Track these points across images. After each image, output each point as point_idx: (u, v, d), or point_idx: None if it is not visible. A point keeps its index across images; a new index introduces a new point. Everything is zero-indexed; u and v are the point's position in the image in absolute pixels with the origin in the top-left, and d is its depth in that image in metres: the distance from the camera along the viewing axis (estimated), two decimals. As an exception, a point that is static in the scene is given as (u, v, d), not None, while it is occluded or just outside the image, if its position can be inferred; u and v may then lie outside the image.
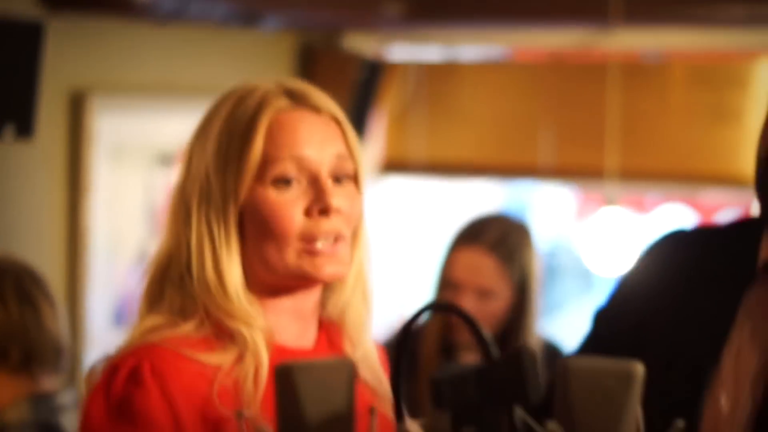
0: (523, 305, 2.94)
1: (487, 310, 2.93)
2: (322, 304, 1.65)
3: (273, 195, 1.57)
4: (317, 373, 1.18)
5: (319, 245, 1.57)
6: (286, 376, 1.18)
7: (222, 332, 1.56)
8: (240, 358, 1.55)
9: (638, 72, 4.72)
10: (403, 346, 1.20)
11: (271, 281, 1.59)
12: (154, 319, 1.60)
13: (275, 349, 1.58)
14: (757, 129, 1.77)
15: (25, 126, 3.61)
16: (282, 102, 1.59)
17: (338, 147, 1.60)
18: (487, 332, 1.17)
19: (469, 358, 2.98)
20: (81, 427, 1.55)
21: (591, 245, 4.41)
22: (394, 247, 5.21)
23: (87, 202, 4.06)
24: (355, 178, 1.62)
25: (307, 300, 1.62)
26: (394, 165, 5.12)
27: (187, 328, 1.57)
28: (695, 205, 5.39)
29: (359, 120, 4.77)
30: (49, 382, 2.64)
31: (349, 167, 1.61)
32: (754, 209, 1.84)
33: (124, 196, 4.13)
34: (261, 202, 1.57)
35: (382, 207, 5.18)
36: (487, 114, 4.96)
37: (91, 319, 4.07)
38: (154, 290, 1.62)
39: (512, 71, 5.03)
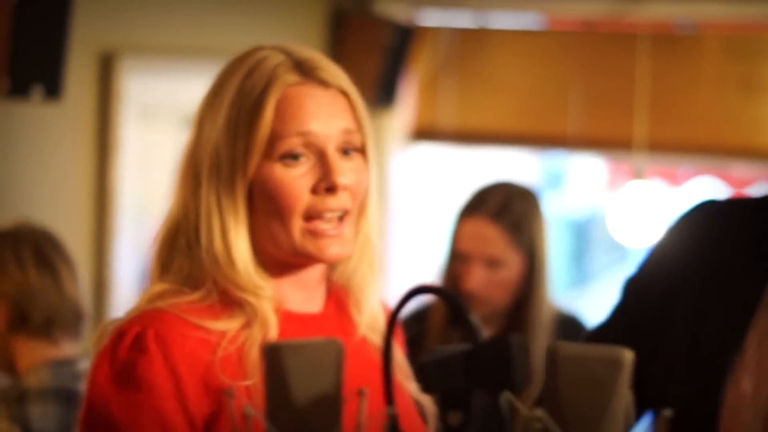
0: (535, 274, 2.92)
1: (497, 280, 2.90)
2: (331, 269, 1.68)
3: (280, 171, 1.59)
4: (305, 352, 1.18)
5: (324, 225, 1.59)
6: (274, 356, 1.18)
7: (229, 300, 1.59)
8: (247, 325, 1.58)
9: (670, 42, 4.67)
10: (391, 331, 1.19)
11: (277, 255, 1.62)
12: (162, 286, 1.63)
13: (283, 315, 1.61)
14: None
15: (53, 87, 3.63)
16: (291, 77, 1.62)
17: (346, 121, 1.63)
18: (474, 315, 1.17)
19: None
20: (87, 390, 1.57)
21: (620, 217, 4.39)
22: (422, 216, 5.20)
23: (115, 163, 4.06)
24: (362, 151, 1.64)
25: (313, 272, 1.66)
26: (423, 132, 5.10)
27: (195, 295, 1.60)
28: (727, 179, 5.35)
29: (390, 86, 4.75)
30: (69, 348, 2.66)
31: (356, 140, 1.63)
32: None
33: (152, 158, 4.13)
34: (268, 178, 1.59)
35: (411, 175, 5.16)
36: (518, 82, 4.93)
37: (118, 281, 4.09)
38: (163, 256, 1.66)
39: (544, 39, 4.99)
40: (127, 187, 4.08)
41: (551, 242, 2.98)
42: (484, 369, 1.13)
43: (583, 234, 6.67)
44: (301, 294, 1.65)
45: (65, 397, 2.58)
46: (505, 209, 2.91)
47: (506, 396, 1.16)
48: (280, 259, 1.62)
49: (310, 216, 1.59)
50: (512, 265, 2.90)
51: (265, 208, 1.60)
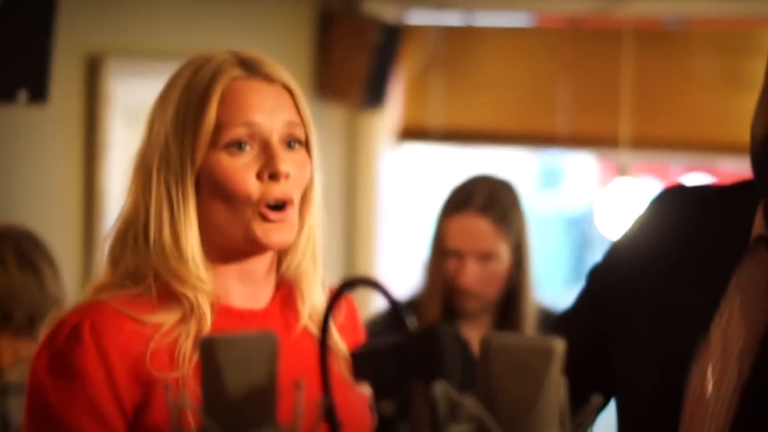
0: (522, 265, 2.95)
1: (490, 273, 2.93)
2: (278, 265, 1.74)
3: (226, 159, 1.66)
4: (239, 345, 1.18)
5: (269, 212, 1.65)
6: (208, 349, 1.18)
7: (168, 294, 1.65)
8: (183, 320, 1.64)
9: (656, 38, 4.67)
10: (327, 322, 1.19)
11: (223, 244, 1.68)
12: (105, 279, 1.70)
13: (222, 310, 1.67)
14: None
15: (39, 91, 3.63)
16: (236, 71, 1.69)
17: (289, 114, 1.70)
18: (405, 305, 1.17)
19: (473, 327, 2.97)
20: (28, 378, 1.65)
21: (608, 214, 4.39)
22: (411, 215, 5.20)
23: (103, 165, 4.08)
24: (306, 145, 1.71)
25: (259, 263, 1.71)
26: (412, 132, 5.10)
27: (135, 289, 1.66)
28: (717, 174, 5.34)
29: (378, 85, 4.75)
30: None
31: (299, 133, 1.70)
32: None
33: (140, 160, 4.15)
34: (215, 167, 1.66)
35: (400, 175, 5.17)
36: (506, 80, 4.93)
37: (106, 282, 4.09)
38: (114, 253, 1.71)
39: (531, 37, 4.98)
40: (115, 188, 4.08)
41: (532, 233, 3.00)
42: (415, 359, 1.13)
43: (579, 231, 6.67)
44: (245, 289, 1.70)
45: None
46: (492, 202, 2.94)
47: (438, 385, 1.16)
48: (226, 250, 1.68)
49: (255, 203, 1.65)
50: (502, 257, 2.93)
51: (212, 197, 1.66)
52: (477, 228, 2.93)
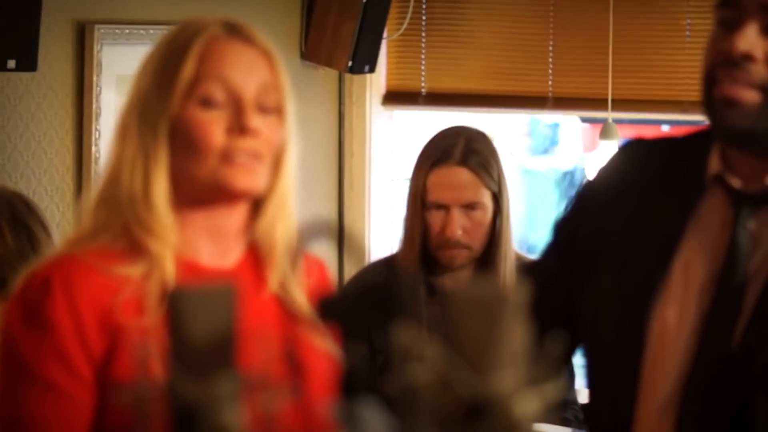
0: (503, 213, 2.98)
1: (475, 223, 2.96)
2: (250, 227, 1.78)
3: (198, 113, 1.72)
4: (199, 297, 1.21)
5: (238, 159, 1.71)
6: (174, 301, 1.21)
7: (136, 247, 1.71)
8: (149, 272, 1.69)
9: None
10: (290, 272, 1.22)
11: (191, 193, 1.74)
12: (78, 233, 1.78)
13: (187, 266, 1.73)
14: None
15: (28, 59, 3.65)
16: (217, 30, 1.76)
17: (265, 77, 1.75)
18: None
19: (456, 279, 2.98)
20: (1, 329, 1.72)
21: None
22: (400, 180, 5.21)
23: (93, 131, 4.09)
24: (280, 111, 1.76)
25: (228, 220, 1.76)
26: (398, 96, 5.09)
27: (105, 240, 1.72)
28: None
29: (366, 49, 4.73)
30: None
31: (274, 98, 1.75)
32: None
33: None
34: (187, 119, 1.72)
35: (388, 139, 5.16)
36: (490, 41, 4.92)
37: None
38: (88, 206, 1.79)
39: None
40: (105, 154, 4.09)
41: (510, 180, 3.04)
42: (380, 305, 1.16)
43: (570, 191, 6.70)
44: (213, 246, 1.75)
45: None
46: (471, 152, 2.97)
47: (400, 330, 1.19)
48: (195, 202, 1.74)
49: (223, 154, 1.71)
50: (485, 206, 2.96)
51: (182, 148, 1.72)
52: (460, 179, 2.96)
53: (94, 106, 4.09)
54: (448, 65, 4.98)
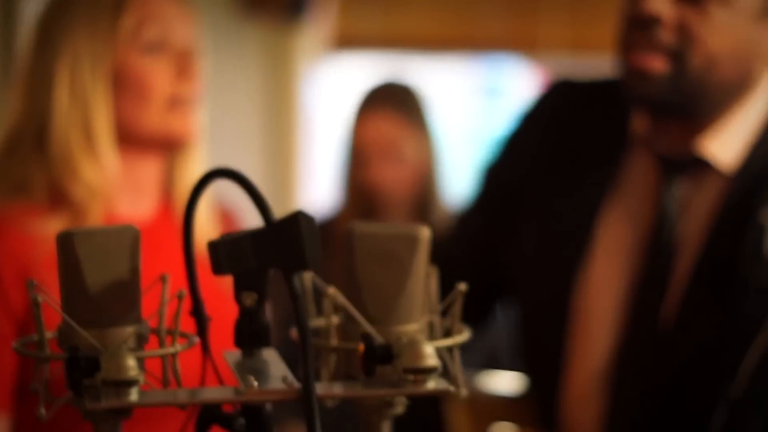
0: (436, 162, 2.96)
1: (406, 172, 2.93)
2: (168, 179, 1.81)
3: (143, 60, 1.73)
4: (98, 239, 1.15)
5: (182, 106, 1.75)
6: (65, 243, 1.15)
7: (60, 199, 1.68)
8: (73, 224, 1.67)
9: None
10: (190, 217, 1.17)
11: (131, 142, 1.74)
12: (4, 188, 1.74)
13: (107, 217, 1.73)
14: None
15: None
16: None
17: (189, 25, 1.81)
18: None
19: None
20: None
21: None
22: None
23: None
24: (199, 59, 1.82)
25: (149, 171, 1.77)
26: (346, 41, 5.04)
27: (23, 199, 1.70)
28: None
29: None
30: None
31: (196, 45, 1.81)
32: None
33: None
34: (132, 67, 1.73)
35: (335, 86, 5.11)
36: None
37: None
38: (2, 163, 1.76)
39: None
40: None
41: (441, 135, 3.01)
42: (274, 248, 1.11)
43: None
44: (131, 197, 1.76)
45: None
46: (402, 101, 2.93)
47: (302, 275, 1.15)
48: (130, 149, 1.74)
49: (171, 100, 1.74)
50: (418, 155, 2.92)
51: (128, 96, 1.73)
52: (390, 127, 2.92)
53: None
54: (398, 7, 4.91)
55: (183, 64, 1.75)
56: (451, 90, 5.57)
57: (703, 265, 1.69)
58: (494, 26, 4.78)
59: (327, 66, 5.01)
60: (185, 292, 1.14)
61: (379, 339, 1.10)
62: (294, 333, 1.15)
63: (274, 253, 1.10)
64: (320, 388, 1.08)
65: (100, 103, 1.71)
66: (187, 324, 1.17)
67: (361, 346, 1.08)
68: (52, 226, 1.67)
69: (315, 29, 4.88)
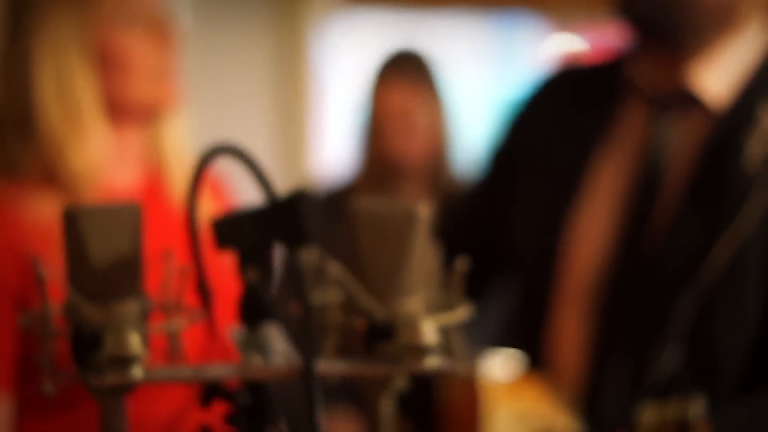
0: (451, 128, 2.97)
1: (421, 142, 2.93)
2: (153, 146, 1.83)
3: (120, 34, 1.74)
4: (102, 217, 1.16)
5: (164, 77, 1.77)
6: (70, 220, 1.16)
7: (51, 178, 1.70)
8: (66, 201, 1.68)
9: None
10: (194, 196, 1.17)
11: (115, 115, 1.75)
12: None
13: (97, 190, 1.74)
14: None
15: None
16: None
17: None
18: (268, 173, 1.15)
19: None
20: None
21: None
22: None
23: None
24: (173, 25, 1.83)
25: (131, 136, 1.79)
26: None
27: (16, 176, 1.70)
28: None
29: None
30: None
31: (169, 13, 1.81)
32: None
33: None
34: (111, 42, 1.74)
35: (346, 45, 5.08)
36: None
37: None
38: None
39: None
40: None
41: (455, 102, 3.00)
42: (277, 224, 1.12)
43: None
44: (118, 167, 1.77)
45: None
46: (415, 71, 2.93)
47: (305, 251, 1.15)
48: (117, 120, 1.76)
49: (153, 71, 1.76)
50: (432, 123, 2.92)
51: (112, 69, 1.74)
52: (397, 99, 2.93)
53: None
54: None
55: (160, 34, 1.77)
56: (464, 49, 5.53)
57: (687, 194, 1.71)
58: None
59: (337, 25, 4.97)
60: (189, 267, 1.15)
61: (380, 314, 1.10)
62: (296, 307, 1.16)
63: (278, 228, 1.11)
64: (322, 365, 1.09)
65: (86, 82, 1.72)
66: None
67: (362, 323, 1.09)
68: (44, 206, 1.68)
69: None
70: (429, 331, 1.06)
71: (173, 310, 1.15)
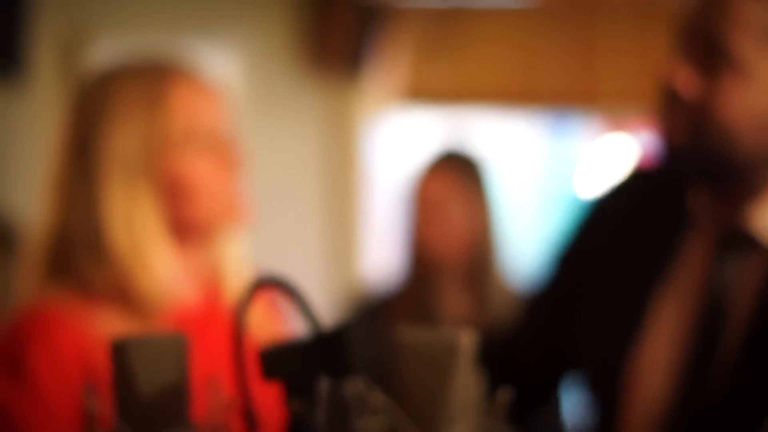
0: (486, 235, 2.95)
1: (454, 234, 2.92)
2: (213, 260, 1.83)
3: (189, 158, 1.74)
4: (149, 348, 1.18)
5: (231, 197, 1.78)
6: (119, 351, 1.18)
7: (120, 296, 1.71)
8: (134, 319, 1.71)
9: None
10: (241, 319, 1.19)
11: (180, 236, 1.76)
12: (53, 285, 1.74)
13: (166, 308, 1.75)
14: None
15: (13, 74, 3.60)
16: (176, 74, 1.76)
17: (226, 112, 1.82)
18: (313, 306, 1.16)
19: (447, 298, 2.96)
20: None
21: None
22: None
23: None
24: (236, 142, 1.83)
25: (196, 255, 1.79)
26: (411, 94, 4.97)
27: (84, 296, 1.71)
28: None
29: (358, 51, 4.65)
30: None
31: (230, 131, 1.82)
32: None
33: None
34: (182, 166, 1.74)
35: (399, 141, 5.03)
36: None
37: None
38: (49, 263, 1.75)
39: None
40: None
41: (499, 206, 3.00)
42: (323, 356, 1.13)
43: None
44: (181, 283, 1.78)
45: None
46: (457, 165, 2.93)
47: (349, 382, 1.16)
48: (183, 241, 1.76)
49: (221, 193, 1.77)
50: (469, 217, 2.92)
51: (179, 193, 1.74)
52: (432, 188, 2.93)
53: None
54: (468, 63, 4.86)
55: (227, 158, 1.77)
56: (515, 147, 5.50)
57: (751, 335, 1.69)
58: (559, 80, 4.74)
59: (389, 120, 4.96)
60: (234, 400, 1.17)
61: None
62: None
63: (325, 359, 1.12)
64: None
65: (154, 206, 1.72)
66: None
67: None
68: (115, 322, 1.69)
69: (376, 83, 4.84)
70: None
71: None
